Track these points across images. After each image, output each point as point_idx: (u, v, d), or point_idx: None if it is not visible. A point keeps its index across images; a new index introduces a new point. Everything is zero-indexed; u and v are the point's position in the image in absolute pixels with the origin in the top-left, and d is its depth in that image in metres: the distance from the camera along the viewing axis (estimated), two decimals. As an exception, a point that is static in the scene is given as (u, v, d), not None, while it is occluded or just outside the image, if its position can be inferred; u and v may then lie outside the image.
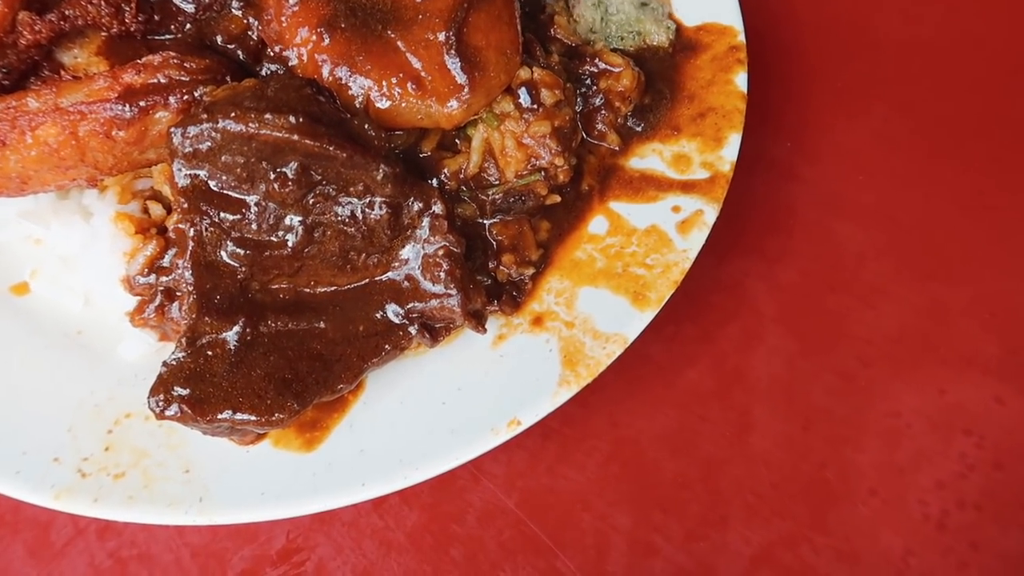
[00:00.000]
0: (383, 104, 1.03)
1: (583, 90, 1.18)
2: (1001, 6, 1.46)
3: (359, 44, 1.03)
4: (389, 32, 1.04)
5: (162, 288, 1.05)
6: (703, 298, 1.22)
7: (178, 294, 1.04)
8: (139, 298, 1.07)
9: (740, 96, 1.20)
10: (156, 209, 1.12)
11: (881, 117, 1.37)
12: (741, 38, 1.24)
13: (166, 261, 1.04)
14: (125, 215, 1.08)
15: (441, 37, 1.02)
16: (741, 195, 1.28)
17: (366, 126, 0.98)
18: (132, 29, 1.01)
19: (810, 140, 1.35)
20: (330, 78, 1.03)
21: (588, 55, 1.19)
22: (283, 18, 1.05)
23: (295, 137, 0.91)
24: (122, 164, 1.01)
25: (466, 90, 1.03)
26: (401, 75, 1.03)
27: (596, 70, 1.18)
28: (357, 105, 1.03)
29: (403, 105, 1.03)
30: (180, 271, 0.99)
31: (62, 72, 1.01)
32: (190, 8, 1.04)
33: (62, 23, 0.96)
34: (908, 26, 1.45)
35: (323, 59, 1.04)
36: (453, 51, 1.02)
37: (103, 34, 1.03)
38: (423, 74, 1.02)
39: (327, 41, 1.03)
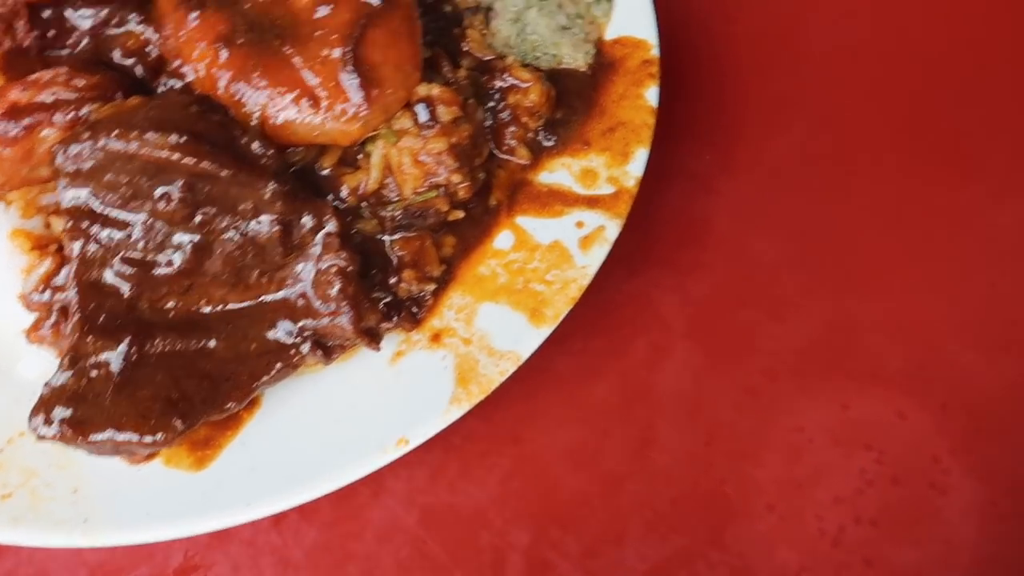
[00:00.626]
0: (279, 120, 1.03)
1: (492, 105, 1.18)
2: (930, 15, 1.47)
3: (256, 60, 1.03)
4: (286, 48, 1.04)
5: (58, 306, 1.04)
6: (613, 311, 1.23)
7: (73, 311, 1.04)
8: (36, 315, 1.07)
9: (650, 111, 1.20)
10: (58, 224, 1.11)
11: (802, 130, 1.37)
12: (654, 52, 1.25)
13: (61, 279, 1.04)
14: (21, 232, 1.07)
15: (337, 54, 1.02)
16: (656, 207, 1.29)
17: (254, 144, 0.98)
18: (26, 45, 1.01)
19: (730, 153, 1.35)
20: (226, 93, 1.04)
21: (498, 69, 1.19)
22: (181, 34, 1.05)
23: (176, 156, 0.91)
24: (13, 181, 1.01)
25: (362, 107, 1.03)
26: (297, 91, 1.03)
27: (505, 85, 1.18)
28: (253, 121, 1.03)
29: (299, 122, 1.03)
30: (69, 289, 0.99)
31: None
32: (86, 24, 1.04)
33: (-50, 39, 0.96)
34: (835, 35, 1.46)
35: (220, 74, 1.03)
36: (350, 68, 1.02)
37: (-2, 49, 1.03)
38: (319, 91, 1.02)
39: (224, 56, 1.03)
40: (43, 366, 1.09)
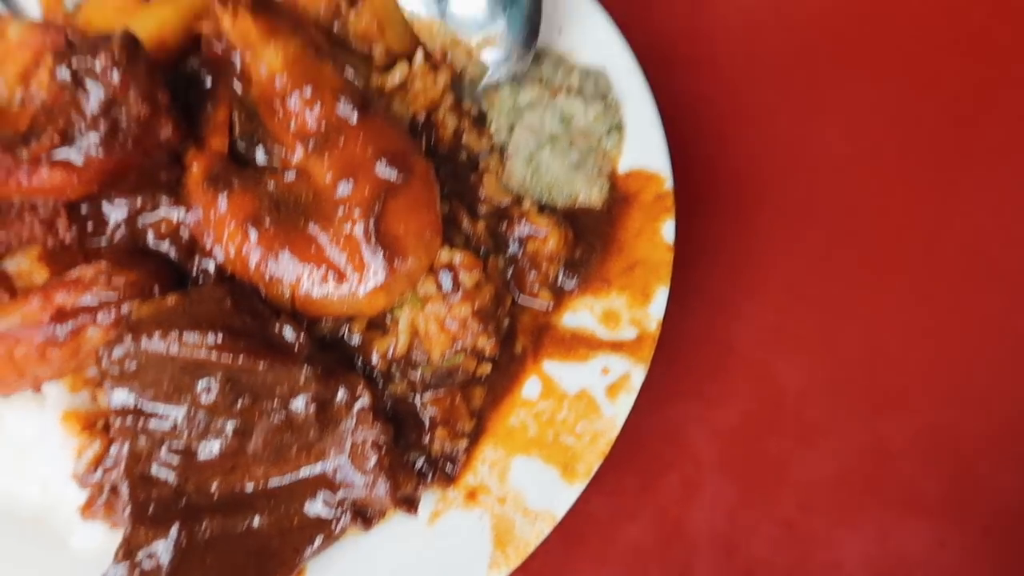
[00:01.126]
0: (308, 296, 1.08)
1: (512, 252, 1.22)
2: (940, 115, 1.48)
3: (283, 239, 1.08)
4: (311, 225, 1.09)
5: (109, 485, 1.09)
6: (645, 445, 1.25)
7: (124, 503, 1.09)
8: (89, 492, 1.12)
9: (667, 248, 1.23)
10: (105, 399, 1.16)
11: (820, 243, 1.39)
12: (668, 185, 1.27)
13: (111, 459, 1.09)
14: (71, 415, 1.13)
15: (359, 230, 1.07)
16: (679, 334, 1.31)
17: (287, 330, 1.02)
18: (67, 241, 1.07)
19: (749, 272, 1.37)
20: (257, 272, 1.09)
21: (516, 216, 1.23)
22: (212, 215, 1.11)
23: (215, 355, 0.96)
24: (63, 372, 1.06)
25: (387, 278, 1.07)
26: (324, 268, 1.08)
27: (523, 232, 1.22)
28: (284, 298, 1.08)
29: (327, 297, 1.08)
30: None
31: (14, 281, 1.07)
32: (121, 214, 1.10)
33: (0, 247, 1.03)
34: (848, 141, 1.48)
35: (250, 254, 1.09)
36: (373, 241, 1.07)
37: (41, 243, 1.10)
38: (345, 266, 1.07)
39: (253, 238, 1.08)
40: (99, 538, 1.14)
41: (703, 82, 1.49)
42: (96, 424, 1.14)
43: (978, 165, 1.43)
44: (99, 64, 0.95)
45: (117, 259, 1.06)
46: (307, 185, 1.12)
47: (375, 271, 1.07)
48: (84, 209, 1.09)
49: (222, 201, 1.10)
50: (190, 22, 1.19)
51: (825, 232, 1.39)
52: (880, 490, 1.19)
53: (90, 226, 1.10)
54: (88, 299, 1.00)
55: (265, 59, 1.06)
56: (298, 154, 1.13)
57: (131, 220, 1.11)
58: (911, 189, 1.42)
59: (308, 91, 1.06)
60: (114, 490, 1.10)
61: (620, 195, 1.30)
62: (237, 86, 1.12)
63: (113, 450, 1.09)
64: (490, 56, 1.28)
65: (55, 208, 1.05)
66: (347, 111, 1.07)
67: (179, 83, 1.14)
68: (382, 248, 1.07)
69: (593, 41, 1.41)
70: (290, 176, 1.11)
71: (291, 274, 1.08)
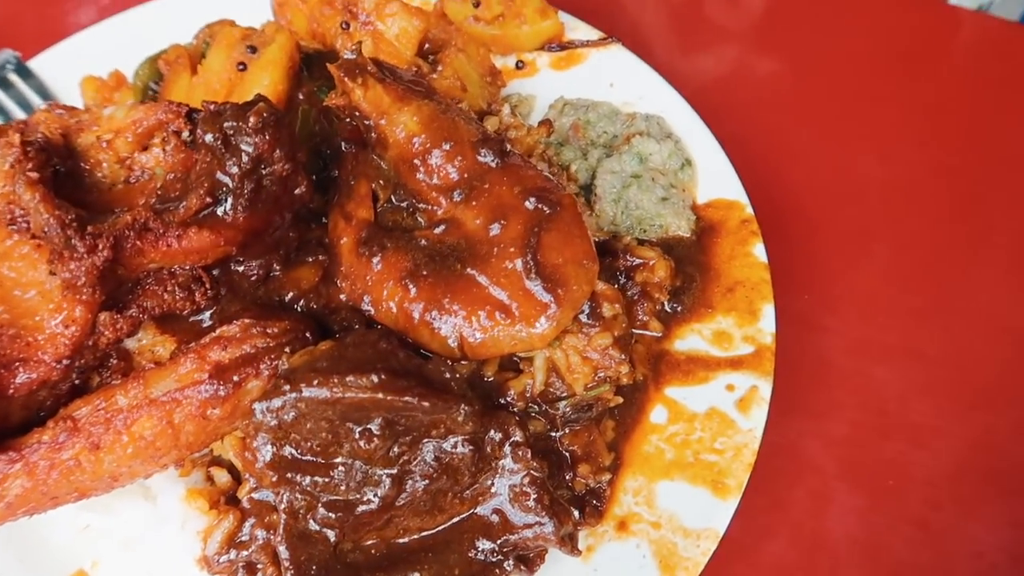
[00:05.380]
0: (476, 338, 1.11)
1: (621, 283, 1.32)
2: (963, 138, 1.69)
3: (443, 287, 1.12)
4: (469, 269, 1.13)
5: (243, 564, 1.10)
6: (763, 464, 1.32)
7: (258, 567, 1.10)
8: None
9: (763, 267, 1.36)
10: (221, 476, 1.17)
11: (883, 258, 1.55)
12: (749, 210, 1.42)
13: (244, 534, 1.10)
14: (197, 492, 1.14)
15: (519, 265, 1.11)
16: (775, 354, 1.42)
17: (441, 368, 1.08)
18: (202, 307, 1.11)
19: (824, 290, 1.51)
20: (422, 324, 1.12)
21: (620, 251, 1.33)
22: (368, 279, 1.15)
23: (379, 395, 1.01)
24: (211, 439, 1.07)
25: (553, 308, 1.10)
26: (488, 307, 1.11)
27: (630, 264, 1.32)
28: (451, 344, 1.12)
29: (496, 336, 1.11)
30: (261, 543, 1.07)
31: (134, 359, 1.10)
32: (253, 274, 1.15)
33: (142, 316, 1.06)
34: (885, 166, 1.67)
35: (412, 307, 1.12)
36: (533, 274, 1.11)
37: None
38: (509, 302, 1.11)
39: (414, 291, 1.12)
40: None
41: (740, 123, 1.67)
42: (219, 502, 1.15)
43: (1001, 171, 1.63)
44: (251, 124, 1.02)
45: (257, 314, 1.10)
46: (458, 233, 1.16)
47: (540, 301, 1.10)
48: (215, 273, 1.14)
49: (376, 262, 1.15)
50: (289, 83, 1.29)
51: (884, 249, 1.56)
52: (999, 479, 1.30)
53: (223, 292, 1.14)
54: (247, 349, 1.04)
55: (401, 122, 1.15)
56: (444, 207, 1.18)
57: (260, 281, 1.16)
58: (948, 202, 1.60)
59: (448, 146, 1.14)
60: (249, 568, 1.10)
61: (705, 224, 1.43)
62: (371, 159, 1.20)
63: (246, 526, 1.11)
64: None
65: (192, 272, 1.09)
66: (488, 158, 1.16)
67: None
68: (543, 279, 1.10)
69: (644, 91, 1.58)
70: (439, 229, 1.17)
71: (458, 319, 1.11)
